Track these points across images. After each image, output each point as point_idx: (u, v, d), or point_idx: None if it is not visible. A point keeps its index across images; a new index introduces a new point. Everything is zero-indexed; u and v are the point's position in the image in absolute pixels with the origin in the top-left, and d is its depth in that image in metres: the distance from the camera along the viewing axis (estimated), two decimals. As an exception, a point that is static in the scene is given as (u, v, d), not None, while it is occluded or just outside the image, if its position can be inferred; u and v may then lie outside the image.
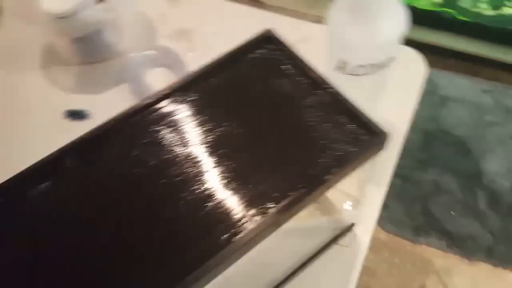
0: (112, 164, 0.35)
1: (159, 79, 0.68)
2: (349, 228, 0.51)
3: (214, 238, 0.31)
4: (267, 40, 0.41)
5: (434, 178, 1.28)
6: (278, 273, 0.48)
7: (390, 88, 0.53)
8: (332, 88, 0.38)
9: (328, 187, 0.34)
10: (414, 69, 0.65)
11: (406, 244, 1.22)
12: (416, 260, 1.19)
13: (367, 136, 0.35)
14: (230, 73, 0.39)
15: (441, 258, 1.19)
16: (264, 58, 0.40)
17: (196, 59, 0.68)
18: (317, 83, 0.38)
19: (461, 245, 1.20)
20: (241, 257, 0.32)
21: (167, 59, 0.69)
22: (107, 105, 0.64)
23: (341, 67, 0.46)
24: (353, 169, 0.35)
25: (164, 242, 0.32)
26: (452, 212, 1.24)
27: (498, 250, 1.18)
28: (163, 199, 0.33)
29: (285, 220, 0.33)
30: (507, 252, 1.17)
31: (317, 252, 0.50)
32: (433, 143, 1.34)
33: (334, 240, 0.51)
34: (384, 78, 0.50)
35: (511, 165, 1.29)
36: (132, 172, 0.35)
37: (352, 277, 0.50)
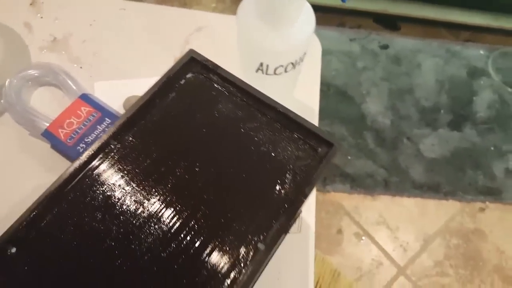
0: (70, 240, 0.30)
1: (47, 100, 0.59)
2: (298, 215, 0.52)
3: None
4: (191, 62, 0.37)
5: (327, 129, 1.37)
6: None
7: (301, 75, 0.54)
8: (273, 102, 0.36)
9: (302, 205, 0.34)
10: (314, 50, 0.66)
11: (317, 195, 1.30)
12: (328, 207, 1.28)
13: (321, 147, 0.34)
14: (163, 108, 0.35)
15: (348, 200, 1.30)
16: (193, 84, 0.36)
17: (84, 69, 0.62)
18: (256, 100, 0.36)
19: (362, 184, 1.31)
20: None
21: (50, 76, 0.60)
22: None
23: (261, 69, 0.45)
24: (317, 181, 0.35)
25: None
26: (348, 157, 1.35)
27: (392, 181, 1.32)
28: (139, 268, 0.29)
29: (275, 249, 0.32)
30: (399, 182, 1.32)
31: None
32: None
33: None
34: (299, 70, 0.50)
35: (387, 104, 1.43)
36: (95, 245, 0.30)
37: (310, 260, 0.52)
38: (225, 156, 0.33)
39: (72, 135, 0.53)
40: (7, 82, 0.57)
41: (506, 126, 1.43)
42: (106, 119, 0.55)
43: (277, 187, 0.32)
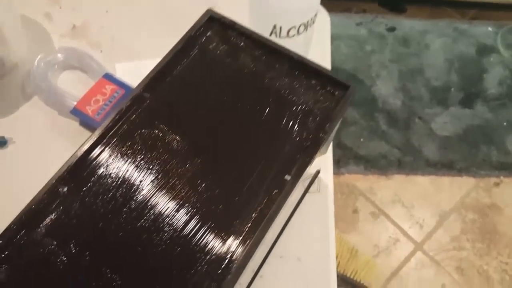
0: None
1: (72, 83, 0.62)
2: (316, 175, 0.55)
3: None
4: (210, 21, 0.40)
5: (338, 113, 1.39)
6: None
7: (314, 40, 0.56)
8: (289, 52, 0.39)
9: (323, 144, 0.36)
10: (322, 17, 0.69)
11: (331, 178, 1.32)
12: (343, 189, 1.30)
13: (338, 91, 0.37)
14: (187, 65, 0.38)
15: (363, 181, 1.32)
16: (213, 41, 0.39)
17: (104, 53, 0.65)
18: (273, 52, 0.38)
19: (376, 165, 1.33)
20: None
21: (74, 60, 0.63)
22: (25, 124, 0.58)
23: (275, 32, 0.48)
24: (338, 123, 0.37)
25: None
26: (361, 139, 1.37)
27: (406, 160, 1.34)
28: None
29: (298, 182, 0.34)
30: (413, 161, 1.34)
31: (295, 206, 0.53)
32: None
33: (307, 190, 0.54)
34: (311, 35, 0.52)
35: (397, 85, 1.45)
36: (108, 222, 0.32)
37: (330, 217, 0.54)
38: (248, 104, 0.35)
39: (99, 111, 0.56)
40: (34, 66, 0.60)
41: (518, 101, 1.44)
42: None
43: (299, 127, 0.35)
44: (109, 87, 0.58)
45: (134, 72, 0.64)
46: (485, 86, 1.47)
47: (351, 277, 1.12)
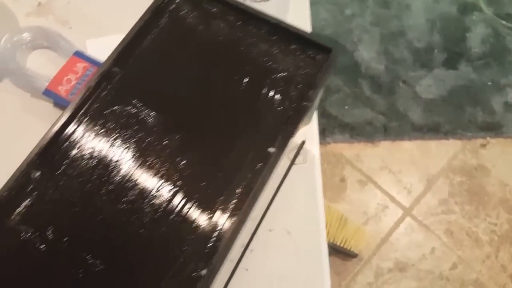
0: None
1: (42, 63, 0.59)
2: (301, 146, 0.53)
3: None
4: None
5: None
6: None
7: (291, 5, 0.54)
8: (265, 16, 0.36)
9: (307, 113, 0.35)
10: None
11: (318, 148, 1.31)
12: (330, 159, 1.30)
13: (320, 55, 0.35)
14: (158, 34, 0.35)
15: (349, 149, 1.31)
16: (184, 7, 0.36)
17: (73, 29, 0.62)
18: (249, 16, 0.36)
19: (361, 132, 1.32)
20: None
21: (43, 38, 0.60)
22: None
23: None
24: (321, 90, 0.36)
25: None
26: (346, 107, 1.35)
27: (392, 126, 1.33)
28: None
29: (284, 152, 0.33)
30: (399, 126, 1.33)
31: (282, 179, 0.51)
32: (312, 51, 1.41)
33: (293, 161, 0.53)
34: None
35: (379, 49, 1.43)
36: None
37: (318, 188, 0.53)
38: (225, 74, 0.33)
39: (73, 90, 0.54)
40: (0, 47, 0.57)
41: (502, 59, 1.43)
42: (103, 72, 0.55)
43: (280, 96, 0.33)
44: (80, 65, 0.56)
45: (106, 48, 0.61)
46: (469, 46, 1.46)
47: (342, 245, 1.13)
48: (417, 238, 1.21)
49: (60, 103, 0.54)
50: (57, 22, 0.62)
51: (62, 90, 0.54)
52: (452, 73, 1.41)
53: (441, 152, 1.33)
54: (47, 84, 0.54)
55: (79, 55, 0.56)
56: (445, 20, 1.47)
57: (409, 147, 1.32)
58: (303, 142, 0.54)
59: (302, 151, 0.54)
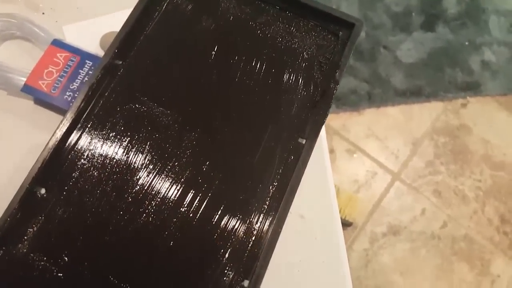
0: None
1: (16, 55, 0.54)
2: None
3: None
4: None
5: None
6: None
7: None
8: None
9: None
10: None
11: (303, 121, 1.29)
12: (316, 131, 1.28)
13: (342, 31, 0.32)
14: (161, 18, 0.31)
15: (335, 120, 1.30)
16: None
17: (47, 15, 0.56)
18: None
19: (347, 102, 1.31)
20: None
21: (14, 27, 0.54)
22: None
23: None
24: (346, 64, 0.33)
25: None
26: (328, 76, 1.33)
27: (376, 93, 1.32)
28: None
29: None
30: (382, 92, 1.32)
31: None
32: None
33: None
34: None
35: (358, 15, 1.40)
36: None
37: (328, 167, 0.51)
38: (240, 60, 0.30)
39: (55, 84, 0.49)
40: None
41: (477, 19, 1.43)
42: (87, 61, 0.50)
43: (304, 81, 0.30)
44: (61, 55, 0.50)
45: (86, 34, 0.56)
46: (445, 7, 1.45)
47: (337, 216, 1.12)
48: (407, 201, 1.23)
49: (42, 99, 0.49)
50: (28, 7, 0.56)
51: (43, 84, 0.49)
52: (430, 35, 1.40)
53: (424, 115, 1.33)
54: (24, 79, 0.49)
55: (58, 44, 0.51)
56: (422, -19, 1.45)
57: (393, 113, 1.32)
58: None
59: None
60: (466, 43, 1.40)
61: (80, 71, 0.50)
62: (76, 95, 0.49)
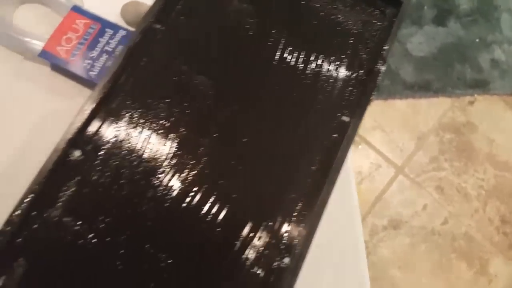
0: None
1: (33, 20, 0.52)
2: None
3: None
4: None
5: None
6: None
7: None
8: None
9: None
10: None
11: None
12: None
13: (389, 8, 0.30)
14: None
15: (341, 110, 1.29)
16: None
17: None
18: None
19: (354, 92, 1.30)
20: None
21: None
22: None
23: None
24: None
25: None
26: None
27: (384, 85, 1.31)
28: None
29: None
30: (391, 85, 1.31)
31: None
32: None
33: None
34: None
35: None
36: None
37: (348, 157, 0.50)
38: (283, 33, 0.28)
39: (74, 51, 0.47)
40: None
41: (489, 16, 1.42)
42: (107, 29, 0.49)
43: (351, 59, 0.28)
44: (81, 22, 0.49)
45: (106, 1, 0.54)
46: (457, 2, 1.43)
47: (340, 206, 1.12)
48: (410, 195, 1.23)
49: (59, 66, 0.48)
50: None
51: (61, 51, 0.47)
52: (442, 30, 1.39)
53: (431, 110, 1.32)
54: (41, 44, 0.48)
55: (78, 10, 0.49)
56: (437, -25, 1.43)
57: (400, 106, 1.31)
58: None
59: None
60: (477, 40, 1.39)
61: (100, 39, 0.48)
62: (95, 63, 0.47)
